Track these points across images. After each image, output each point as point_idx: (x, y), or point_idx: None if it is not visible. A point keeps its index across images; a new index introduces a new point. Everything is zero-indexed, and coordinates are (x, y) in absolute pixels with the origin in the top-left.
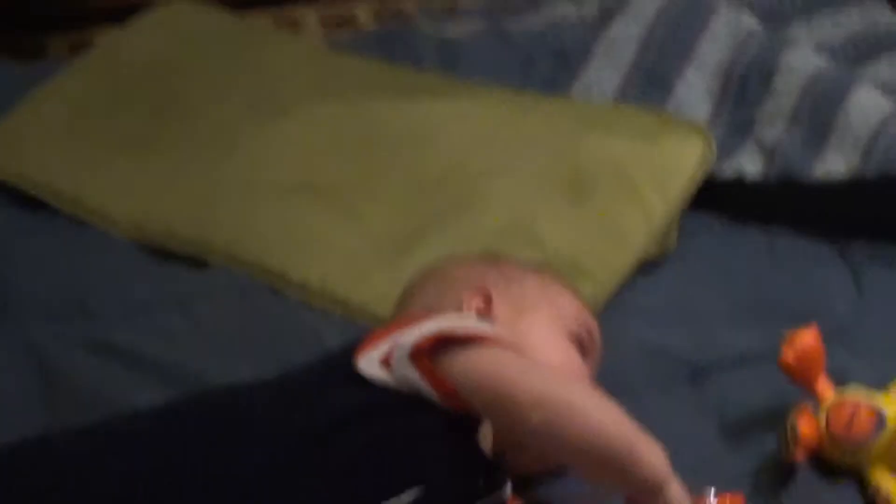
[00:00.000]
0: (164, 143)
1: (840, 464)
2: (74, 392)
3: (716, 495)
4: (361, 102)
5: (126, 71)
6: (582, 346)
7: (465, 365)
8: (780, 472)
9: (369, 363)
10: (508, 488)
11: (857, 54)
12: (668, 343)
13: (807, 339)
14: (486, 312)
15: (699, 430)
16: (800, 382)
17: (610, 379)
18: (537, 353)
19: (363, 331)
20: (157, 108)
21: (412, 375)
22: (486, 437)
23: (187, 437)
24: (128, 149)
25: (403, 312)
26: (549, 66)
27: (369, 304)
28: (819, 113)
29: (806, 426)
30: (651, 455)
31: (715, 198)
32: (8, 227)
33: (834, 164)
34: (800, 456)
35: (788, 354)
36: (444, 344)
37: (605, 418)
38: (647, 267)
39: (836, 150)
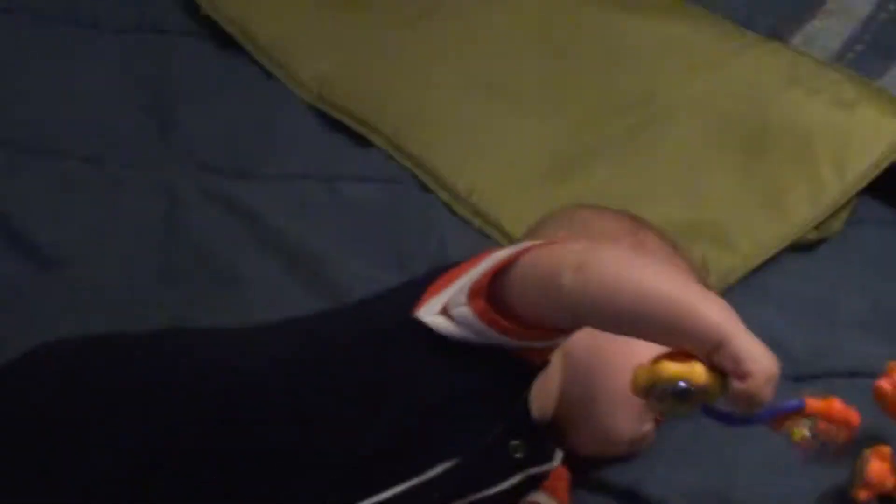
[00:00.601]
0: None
1: None
2: (191, 246)
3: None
4: (573, 4)
5: None
6: None
7: (518, 275)
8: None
9: (429, 311)
10: (558, 458)
11: None
12: (785, 336)
13: None
14: None
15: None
16: (892, 416)
17: None
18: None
19: None
20: None
21: (470, 318)
22: (536, 399)
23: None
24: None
25: None
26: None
27: (510, 223)
28: None
29: (877, 469)
30: (711, 308)
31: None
32: (198, 66)
33: None
34: (862, 497)
35: (885, 382)
36: (500, 275)
37: (652, 272)
38: (799, 248)
39: None
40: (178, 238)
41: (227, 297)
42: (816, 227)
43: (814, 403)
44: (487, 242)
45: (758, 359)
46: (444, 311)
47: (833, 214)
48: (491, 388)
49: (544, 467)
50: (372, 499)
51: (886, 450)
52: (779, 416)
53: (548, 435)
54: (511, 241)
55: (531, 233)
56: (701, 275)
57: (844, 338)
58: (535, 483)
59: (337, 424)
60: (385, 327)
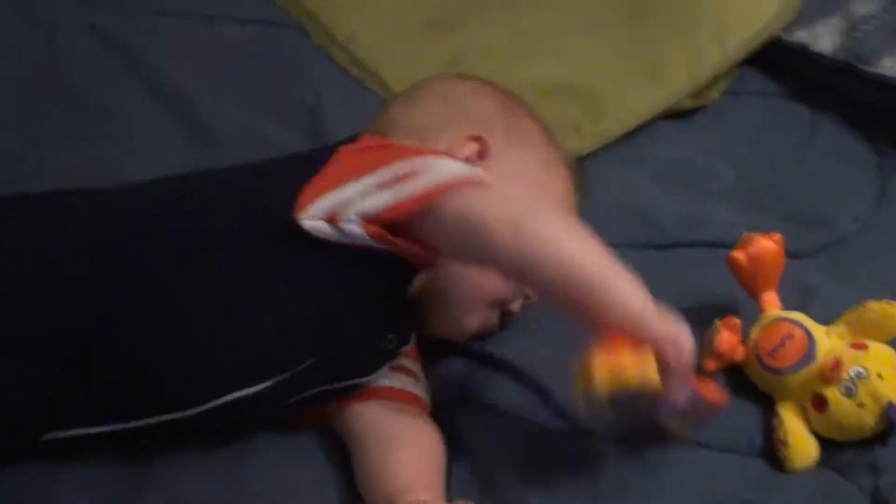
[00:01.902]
0: None
1: (757, 383)
2: (65, 80)
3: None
4: None
5: None
6: None
7: (441, 218)
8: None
9: (313, 215)
10: (413, 338)
11: None
12: (654, 203)
13: (765, 244)
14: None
15: None
16: (746, 288)
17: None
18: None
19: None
20: None
21: (358, 235)
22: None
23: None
24: None
25: (386, 128)
26: None
27: (389, 75)
28: None
29: (726, 341)
30: (634, 290)
31: (777, 64)
32: None
33: None
34: (710, 367)
35: (740, 254)
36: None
37: (579, 246)
38: (676, 115)
39: None
40: (52, 73)
41: (96, 134)
42: (693, 96)
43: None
44: (363, 93)
45: (682, 330)
46: (331, 220)
47: (711, 83)
48: (373, 287)
49: (405, 349)
50: (243, 391)
51: (736, 321)
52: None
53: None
54: (388, 92)
55: (406, 100)
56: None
57: (711, 208)
58: None
59: (213, 313)
60: (265, 223)
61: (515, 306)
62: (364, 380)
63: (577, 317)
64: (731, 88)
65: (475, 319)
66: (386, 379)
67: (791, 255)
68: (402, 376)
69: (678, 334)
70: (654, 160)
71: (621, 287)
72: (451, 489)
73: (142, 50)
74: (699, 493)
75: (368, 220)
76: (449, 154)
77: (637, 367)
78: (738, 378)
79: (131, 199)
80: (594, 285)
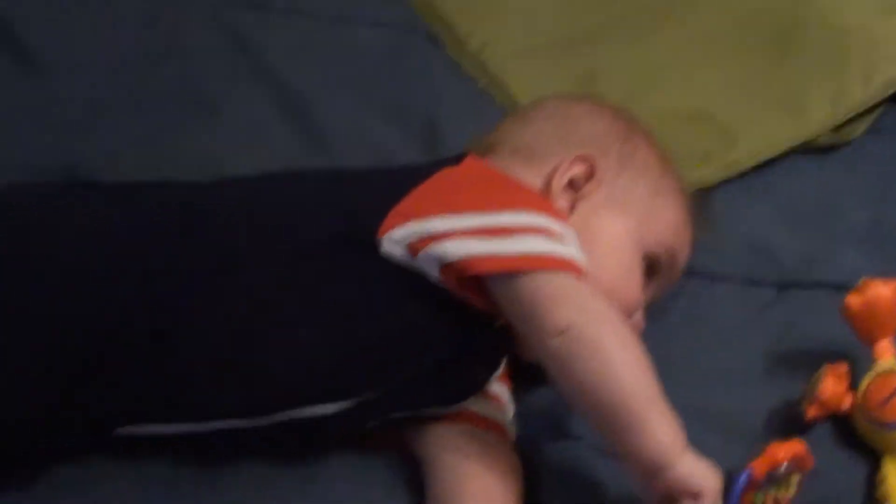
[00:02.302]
0: None
1: (863, 437)
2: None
3: (748, 478)
4: None
5: None
6: (654, 267)
7: (506, 287)
8: (793, 422)
9: (392, 244)
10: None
11: None
12: (777, 239)
13: (882, 291)
14: (576, 188)
15: (751, 340)
16: (860, 335)
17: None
18: (597, 256)
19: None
20: None
21: (434, 280)
22: None
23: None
24: None
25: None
26: None
27: (517, 87)
28: None
29: (831, 387)
30: (663, 425)
31: None
32: None
33: None
34: (811, 413)
35: (855, 299)
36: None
37: (626, 370)
38: (812, 151)
39: None
40: (171, 62)
41: (204, 127)
42: (834, 131)
43: (757, 464)
44: (486, 108)
45: (706, 479)
46: (413, 249)
47: (853, 120)
48: (457, 317)
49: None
50: (315, 408)
51: (843, 368)
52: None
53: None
54: (513, 105)
55: (519, 118)
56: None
57: (839, 249)
58: None
59: (296, 322)
60: (350, 238)
61: None
62: (449, 409)
63: (604, 436)
64: (874, 126)
65: None
66: (470, 403)
67: None
68: (488, 402)
69: (703, 485)
70: (784, 195)
71: (657, 424)
72: None
73: (265, 46)
74: None
75: (446, 264)
76: (548, 201)
77: None
78: (844, 430)
79: (220, 195)
80: (632, 415)
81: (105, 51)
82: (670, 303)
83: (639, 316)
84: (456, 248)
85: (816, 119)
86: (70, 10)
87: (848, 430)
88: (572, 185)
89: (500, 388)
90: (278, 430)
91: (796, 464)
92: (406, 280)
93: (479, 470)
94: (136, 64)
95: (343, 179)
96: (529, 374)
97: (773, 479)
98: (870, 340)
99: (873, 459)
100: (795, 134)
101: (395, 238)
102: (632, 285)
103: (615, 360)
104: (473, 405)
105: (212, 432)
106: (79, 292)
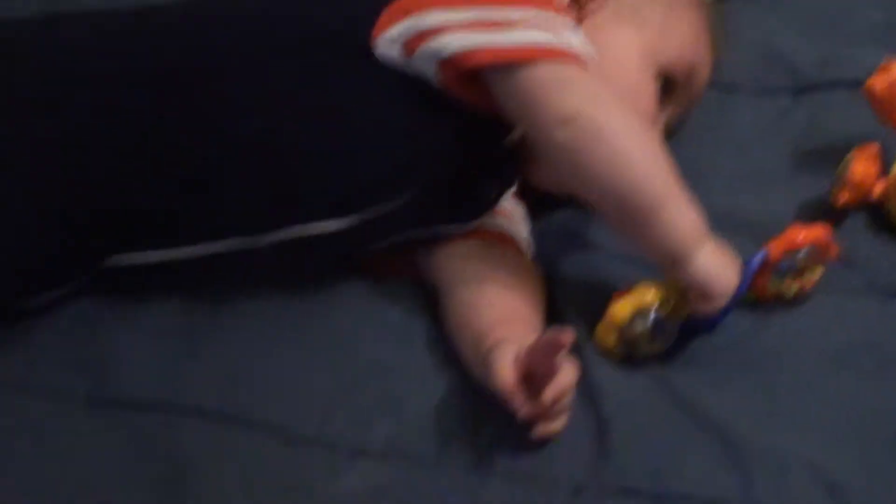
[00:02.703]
0: None
1: None
2: None
3: (763, 258)
4: None
5: None
6: (671, 83)
7: (506, 80)
8: (826, 215)
9: (388, 44)
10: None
11: None
12: (789, 46)
13: None
14: (581, 4)
15: (773, 146)
16: (884, 120)
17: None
18: (607, 71)
19: None
20: None
21: (432, 79)
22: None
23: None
24: None
25: None
26: None
27: None
28: None
29: (862, 168)
30: (681, 216)
31: None
32: None
33: None
34: (843, 199)
35: (877, 81)
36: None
37: (638, 156)
38: None
39: None
40: None
41: None
42: None
43: (774, 246)
44: None
45: (718, 280)
46: (409, 47)
47: None
48: (464, 130)
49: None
50: (323, 223)
51: (874, 149)
52: (755, 282)
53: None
54: None
55: None
56: None
57: (854, 49)
58: None
59: (298, 127)
60: (347, 40)
61: None
62: (461, 227)
63: (620, 230)
64: None
65: None
66: (482, 220)
67: None
68: (502, 217)
69: (714, 287)
70: (794, 5)
71: (674, 212)
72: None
73: None
74: (833, 338)
75: (444, 59)
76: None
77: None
78: (877, 218)
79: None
80: (647, 203)
81: None
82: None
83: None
84: (453, 41)
85: None
86: None
87: (882, 218)
88: (577, 2)
89: (513, 205)
90: (281, 253)
91: (818, 250)
92: (406, 86)
93: (497, 278)
94: None
95: None
96: (546, 202)
97: (793, 265)
98: (893, 121)
99: None
100: None
101: (391, 37)
102: (643, 99)
103: (626, 147)
104: (485, 221)
105: (212, 258)
106: (66, 112)
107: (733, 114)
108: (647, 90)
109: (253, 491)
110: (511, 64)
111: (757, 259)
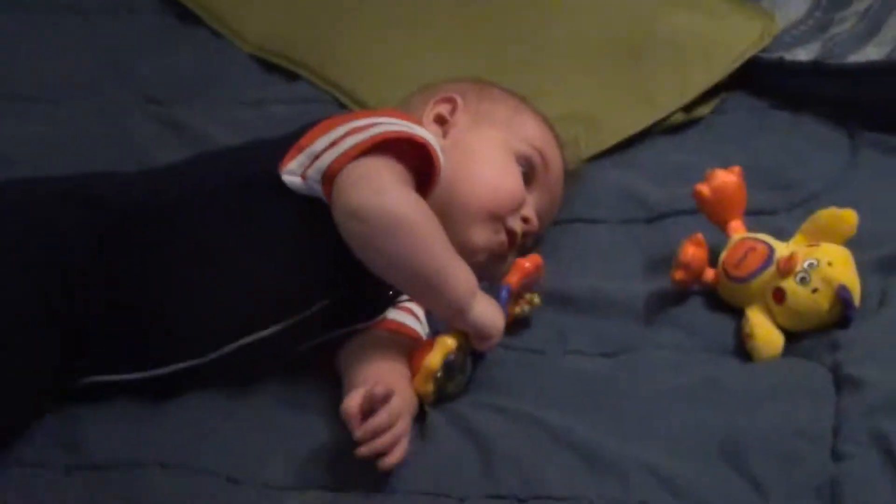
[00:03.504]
0: None
1: (727, 299)
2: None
3: (508, 292)
4: None
5: None
6: (531, 168)
7: (342, 176)
8: (672, 298)
9: (290, 175)
10: None
11: None
12: (642, 189)
13: (726, 177)
14: (444, 120)
15: (630, 256)
16: (714, 220)
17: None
18: (475, 160)
19: None
20: None
21: (321, 195)
22: None
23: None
24: None
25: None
26: None
27: None
28: (880, 12)
29: (691, 251)
30: (457, 280)
31: (760, 83)
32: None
33: (866, 56)
34: (677, 277)
35: (704, 188)
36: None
37: (419, 236)
38: (672, 131)
39: (876, 44)
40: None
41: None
42: (685, 111)
43: (511, 277)
44: None
45: (492, 323)
46: (304, 176)
47: (702, 101)
48: None
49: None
50: (254, 335)
51: (699, 236)
52: (510, 309)
53: None
54: None
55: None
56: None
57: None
58: None
59: (226, 263)
60: (260, 180)
61: (515, 224)
62: (369, 322)
63: (412, 297)
64: (719, 108)
65: (477, 236)
66: (386, 313)
67: (769, 212)
68: (401, 312)
69: (490, 329)
70: (648, 163)
71: (453, 278)
72: None
73: (197, 126)
74: (671, 381)
75: (323, 176)
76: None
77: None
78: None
79: (142, 179)
80: (429, 277)
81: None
82: (560, 241)
83: (533, 220)
84: (327, 156)
85: (666, 103)
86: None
87: (717, 299)
88: (440, 120)
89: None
90: (221, 364)
91: (537, 277)
92: (312, 210)
93: (385, 359)
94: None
95: (245, 144)
96: None
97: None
98: (722, 222)
99: (738, 315)
100: (647, 116)
101: (292, 168)
102: (511, 179)
103: (405, 233)
104: (389, 314)
105: (162, 377)
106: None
107: (598, 237)
108: (513, 171)
109: None
110: (350, 162)
111: (504, 293)
